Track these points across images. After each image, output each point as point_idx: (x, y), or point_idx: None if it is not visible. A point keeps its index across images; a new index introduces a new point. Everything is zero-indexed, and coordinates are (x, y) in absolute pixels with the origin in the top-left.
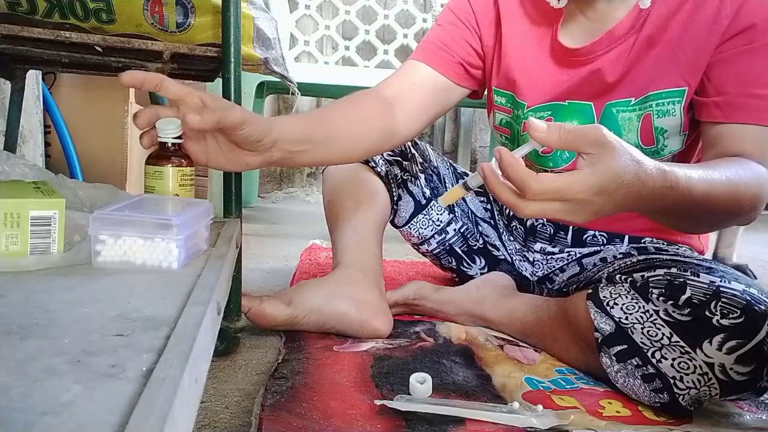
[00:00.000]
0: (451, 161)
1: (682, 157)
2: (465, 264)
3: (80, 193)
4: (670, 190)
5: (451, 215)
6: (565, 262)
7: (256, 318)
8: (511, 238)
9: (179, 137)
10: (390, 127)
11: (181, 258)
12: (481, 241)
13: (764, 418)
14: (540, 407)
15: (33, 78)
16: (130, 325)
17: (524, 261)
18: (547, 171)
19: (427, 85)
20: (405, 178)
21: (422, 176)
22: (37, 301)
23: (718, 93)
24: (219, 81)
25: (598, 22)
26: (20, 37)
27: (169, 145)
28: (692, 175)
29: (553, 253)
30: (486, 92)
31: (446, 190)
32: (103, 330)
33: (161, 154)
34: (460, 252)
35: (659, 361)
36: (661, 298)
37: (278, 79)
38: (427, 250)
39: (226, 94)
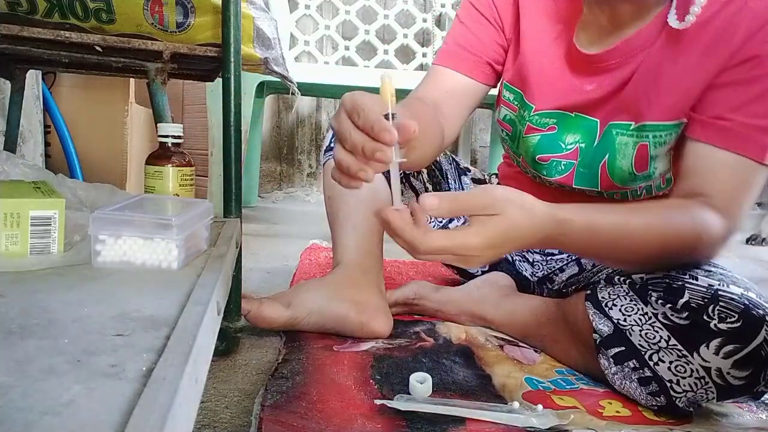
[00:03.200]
0: (453, 155)
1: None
2: None
3: (80, 193)
4: (565, 237)
5: None
6: (565, 262)
7: (256, 320)
8: None
9: (179, 137)
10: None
11: (180, 258)
12: None
13: (764, 417)
14: (540, 407)
15: (33, 78)
16: (130, 325)
17: (524, 261)
18: (542, 177)
19: (460, 92)
20: (407, 172)
21: (424, 171)
22: (37, 301)
23: (704, 111)
24: (219, 81)
25: (617, 26)
26: (20, 37)
27: (169, 144)
28: (598, 221)
29: (553, 254)
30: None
31: (448, 186)
32: (103, 330)
33: (161, 154)
34: None
35: (656, 363)
36: (659, 301)
37: (278, 79)
38: None
39: (226, 94)
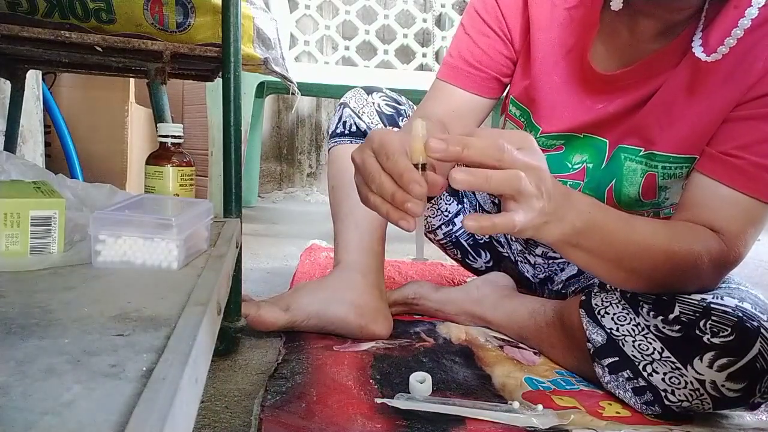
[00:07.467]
0: None
1: None
2: (470, 257)
3: (80, 193)
4: (571, 206)
5: (460, 206)
6: (566, 263)
7: (254, 324)
8: (513, 238)
9: (179, 137)
10: None
11: (180, 258)
12: (487, 236)
13: (764, 418)
14: (540, 407)
15: (33, 78)
16: (130, 325)
17: (525, 263)
18: None
19: (467, 110)
20: None
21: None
22: (37, 301)
23: (714, 145)
24: (219, 81)
25: (638, 42)
26: (20, 37)
27: (169, 144)
28: (602, 208)
29: (555, 258)
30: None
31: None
32: (103, 330)
33: (161, 154)
34: (465, 245)
35: (650, 374)
36: (651, 313)
37: (278, 79)
38: (433, 238)
39: (226, 94)
